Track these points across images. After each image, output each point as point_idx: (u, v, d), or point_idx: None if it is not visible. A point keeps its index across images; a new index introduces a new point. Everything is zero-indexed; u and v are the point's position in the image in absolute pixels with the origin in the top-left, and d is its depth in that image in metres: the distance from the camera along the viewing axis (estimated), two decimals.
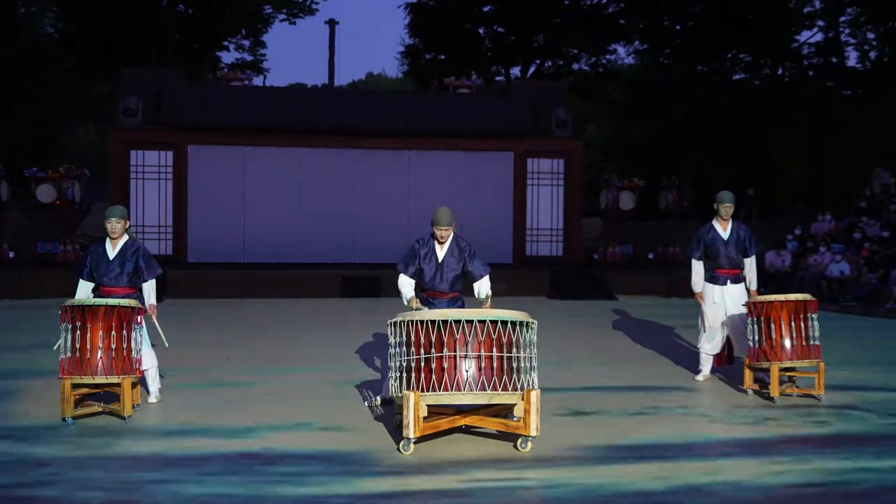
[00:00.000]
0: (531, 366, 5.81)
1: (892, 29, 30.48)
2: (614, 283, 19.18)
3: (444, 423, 5.84)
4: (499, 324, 5.69)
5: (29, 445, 5.86)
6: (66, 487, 4.94)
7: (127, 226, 7.27)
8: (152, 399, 7.29)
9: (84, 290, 7.16)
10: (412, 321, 5.73)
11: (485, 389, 5.62)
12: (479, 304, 6.83)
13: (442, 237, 7.01)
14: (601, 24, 33.30)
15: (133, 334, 6.59)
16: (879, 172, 24.21)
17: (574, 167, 21.22)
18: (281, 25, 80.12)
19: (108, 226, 7.17)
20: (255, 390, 7.92)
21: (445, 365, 5.61)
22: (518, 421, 5.78)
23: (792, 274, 19.34)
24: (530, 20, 32.42)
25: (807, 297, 7.69)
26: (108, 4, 29.96)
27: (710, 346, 8.55)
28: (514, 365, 5.71)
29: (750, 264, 8.53)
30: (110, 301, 6.60)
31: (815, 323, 7.60)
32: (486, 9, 33.72)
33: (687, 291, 9.86)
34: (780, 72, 32.92)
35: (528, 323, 5.82)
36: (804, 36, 33.15)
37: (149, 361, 7.15)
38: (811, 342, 7.56)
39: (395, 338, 5.84)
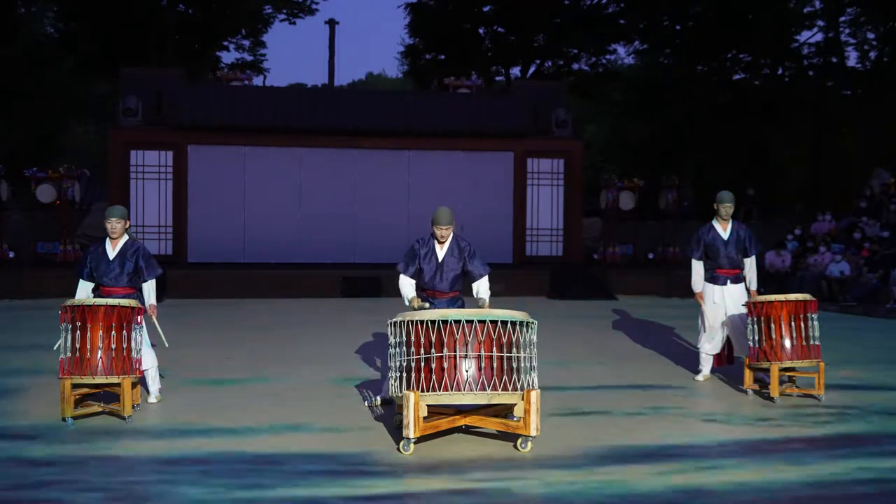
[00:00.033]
0: (531, 366, 5.81)
1: (892, 29, 30.47)
2: (614, 283, 19.18)
3: (444, 423, 5.84)
4: (499, 324, 5.69)
5: (29, 445, 5.86)
6: (65, 488, 4.94)
7: (127, 226, 7.27)
8: (152, 399, 7.29)
9: (84, 290, 7.16)
10: (412, 321, 5.73)
11: (485, 389, 5.62)
12: (477, 304, 6.85)
13: (442, 237, 7.01)
14: (601, 24, 33.30)
15: (133, 334, 6.59)
16: (879, 172, 24.22)
17: (574, 167, 21.22)
18: (281, 25, 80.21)
19: (108, 226, 7.17)
20: (255, 390, 7.92)
21: (445, 365, 5.61)
22: (518, 421, 5.78)
23: (792, 274, 19.34)
24: (530, 20, 32.42)
25: (807, 297, 7.69)
26: (108, 4, 29.97)
27: (710, 346, 8.55)
28: (514, 365, 5.71)
29: (750, 264, 8.53)
30: (110, 301, 6.60)
31: (815, 323, 7.60)
32: (486, 9, 33.72)
33: (687, 291, 9.87)
34: (780, 72, 32.92)
35: (528, 323, 5.82)
36: (804, 36, 33.22)
37: (149, 361, 7.15)
38: (811, 342, 7.56)
39: (395, 338, 5.84)
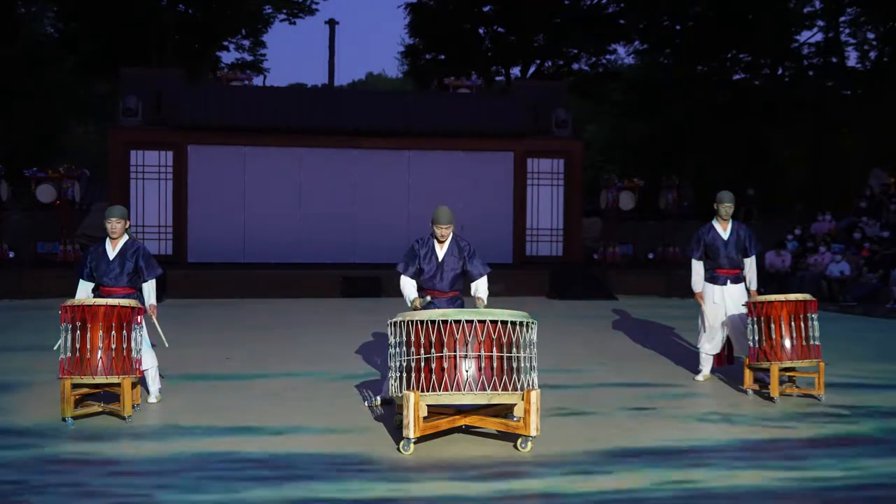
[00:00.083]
0: (531, 366, 5.81)
1: (892, 29, 30.47)
2: (614, 283, 19.18)
3: (444, 423, 5.84)
4: (499, 324, 5.69)
5: (29, 445, 5.86)
6: (66, 490, 4.94)
7: (127, 226, 7.27)
8: (152, 399, 7.29)
9: (84, 290, 7.17)
10: (412, 321, 5.73)
11: (485, 389, 5.62)
12: (475, 303, 6.85)
13: (442, 236, 7.01)
14: (601, 24, 33.30)
15: (133, 334, 6.60)
16: (877, 172, 24.23)
17: (574, 167, 21.22)
18: (281, 25, 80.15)
19: (108, 226, 7.17)
20: (255, 390, 7.92)
21: (445, 365, 5.61)
22: (518, 421, 5.78)
23: (792, 274, 19.34)
24: (530, 20, 32.42)
25: (807, 297, 7.69)
26: (108, 4, 29.96)
27: (710, 346, 8.55)
28: (514, 365, 5.71)
29: (750, 264, 8.53)
30: (110, 301, 6.60)
31: (815, 323, 7.60)
32: (486, 9, 33.71)
33: (687, 291, 9.87)
34: (780, 72, 32.92)
35: (528, 323, 5.82)
36: (804, 36, 33.21)
37: (149, 361, 7.15)
38: (811, 342, 7.56)
39: (394, 338, 5.84)
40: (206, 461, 5.49)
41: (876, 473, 5.36)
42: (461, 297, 7.14)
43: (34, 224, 20.11)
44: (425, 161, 20.65)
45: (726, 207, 8.46)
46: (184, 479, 5.09)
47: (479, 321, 5.66)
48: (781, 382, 7.63)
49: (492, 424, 5.96)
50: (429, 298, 6.90)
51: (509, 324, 5.72)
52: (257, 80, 29.19)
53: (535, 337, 5.88)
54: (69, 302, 6.57)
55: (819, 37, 32.84)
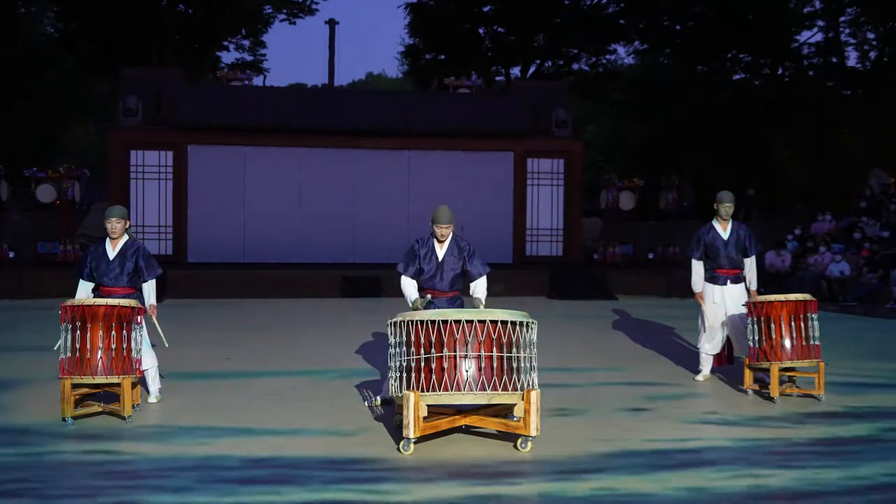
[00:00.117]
0: (531, 366, 5.81)
1: (892, 29, 30.47)
2: (614, 283, 19.17)
3: (444, 423, 5.85)
4: (499, 324, 5.69)
5: (29, 445, 5.86)
6: (65, 489, 4.94)
7: (127, 226, 7.27)
8: (152, 399, 7.29)
9: (84, 290, 7.17)
10: (412, 321, 5.73)
11: (485, 389, 5.62)
12: (473, 303, 6.86)
13: (442, 235, 7.02)
14: (601, 24, 33.29)
15: (133, 334, 6.60)
16: (877, 172, 24.23)
17: (574, 167, 21.21)
18: (281, 25, 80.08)
19: (108, 226, 7.17)
20: (255, 390, 7.92)
21: (445, 365, 5.61)
22: (518, 421, 5.78)
23: (792, 274, 19.33)
24: (530, 20, 32.42)
25: (807, 297, 7.70)
26: (108, 4, 29.96)
27: (710, 346, 8.55)
28: (514, 365, 5.71)
29: (750, 264, 8.53)
30: (110, 301, 6.60)
31: (815, 323, 7.60)
32: (486, 9, 33.71)
33: (687, 291, 9.88)
34: (780, 72, 32.92)
35: (528, 323, 5.82)
36: (804, 36, 33.20)
37: (149, 361, 7.15)
38: (811, 342, 7.56)
39: (395, 338, 5.84)
40: (206, 462, 5.48)
41: (876, 475, 5.36)
42: (461, 296, 7.14)
43: (34, 224, 20.11)
44: (425, 161, 20.65)
45: (726, 207, 8.46)
46: (183, 481, 5.09)
47: (479, 321, 5.66)
48: (781, 382, 7.63)
49: (492, 424, 5.96)
50: (429, 297, 6.90)
51: (509, 324, 5.72)
52: (257, 80, 29.19)
53: (535, 337, 5.88)
54: (69, 302, 6.57)
55: (819, 37, 32.88)
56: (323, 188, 20.28)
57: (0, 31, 28.62)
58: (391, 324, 5.88)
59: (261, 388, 8.00)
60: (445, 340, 5.63)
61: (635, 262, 20.90)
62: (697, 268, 8.57)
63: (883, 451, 5.90)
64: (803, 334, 7.52)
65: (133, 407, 6.68)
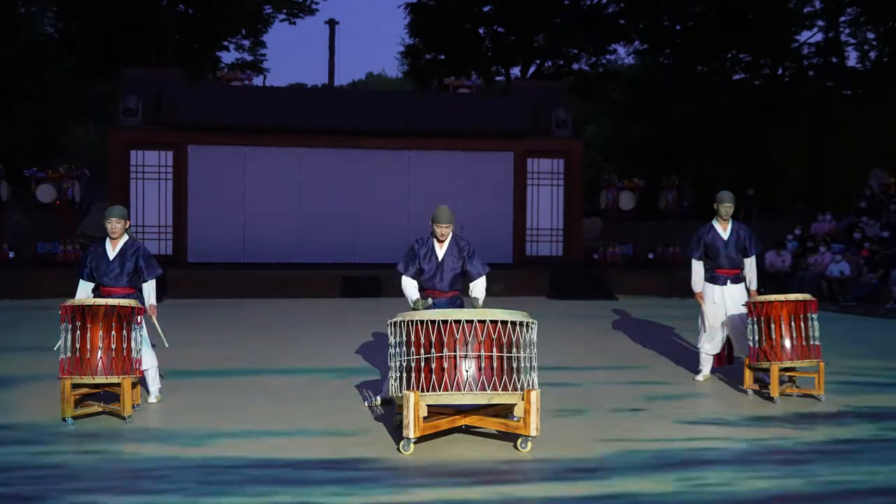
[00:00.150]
0: (531, 366, 5.81)
1: (892, 29, 30.47)
2: (614, 283, 19.17)
3: (444, 423, 5.85)
4: (499, 324, 5.69)
5: (29, 446, 5.86)
6: (65, 489, 4.94)
7: (127, 226, 7.27)
8: (152, 399, 7.29)
9: (84, 290, 7.17)
10: (412, 321, 5.73)
11: (485, 389, 5.62)
12: (472, 303, 6.86)
13: (442, 235, 7.02)
14: (601, 24, 33.30)
15: (133, 334, 6.60)
16: (876, 172, 24.23)
17: (574, 167, 21.21)
18: (281, 25, 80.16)
19: (108, 226, 7.17)
20: (256, 391, 7.92)
21: (445, 365, 5.61)
22: (518, 421, 5.78)
23: (792, 274, 19.33)
24: (530, 20, 32.42)
25: (807, 297, 7.69)
26: (108, 4, 29.96)
27: (710, 346, 8.55)
28: (514, 365, 5.71)
29: (750, 264, 8.53)
30: (110, 301, 6.60)
31: (815, 323, 7.60)
32: (486, 9, 33.71)
33: (687, 291, 9.87)
34: (780, 72, 32.92)
35: (528, 323, 5.82)
36: (804, 36, 33.21)
37: (149, 361, 7.15)
38: (811, 342, 7.56)
39: (395, 338, 5.84)
40: (206, 463, 5.48)
41: (877, 475, 5.36)
42: (461, 296, 7.14)
43: (34, 224, 20.11)
44: (425, 161, 20.65)
45: (726, 207, 8.46)
46: (183, 482, 5.08)
47: (479, 321, 5.66)
48: (781, 382, 7.64)
49: (492, 424, 5.96)
50: (430, 301, 6.88)
51: (509, 324, 5.72)
52: (257, 80, 29.19)
53: (535, 337, 5.88)
54: (69, 302, 6.57)
55: (819, 37, 32.88)
56: (323, 188, 20.28)
57: (0, 31, 28.61)
58: (391, 324, 5.88)
59: (261, 388, 8.00)
60: (445, 340, 5.63)
61: (635, 262, 20.90)
62: (697, 268, 8.57)
63: (883, 452, 5.89)
64: (803, 334, 7.52)
65: (133, 407, 6.68)
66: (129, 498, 4.76)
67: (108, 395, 6.91)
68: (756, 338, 7.61)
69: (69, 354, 6.44)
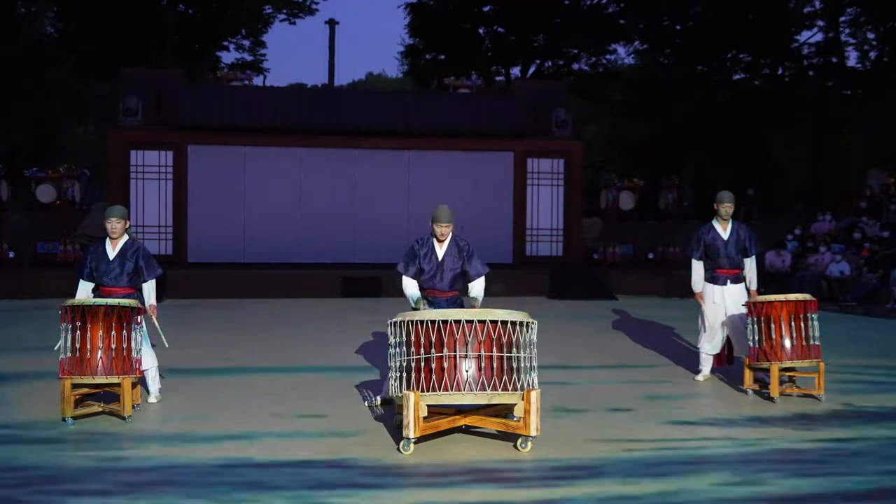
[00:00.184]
0: (531, 366, 5.81)
1: (892, 29, 30.46)
2: (614, 283, 19.18)
3: (444, 423, 5.85)
4: (499, 324, 5.69)
5: (29, 446, 5.86)
6: (64, 489, 4.93)
7: (127, 226, 7.27)
8: (152, 399, 7.29)
9: (84, 291, 7.17)
10: (412, 321, 5.73)
11: (485, 389, 5.62)
12: (470, 303, 6.87)
13: (442, 234, 7.02)
14: (601, 24, 33.29)
15: (133, 334, 6.60)
16: (875, 173, 24.24)
17: (574, 167, 21.22)
18: (281, 25, 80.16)
19: (108, 226, 7.17)
20: (255, 390, 7.92)
21: (445, 365, 5.61)
22: (518, 421, 5.78)
23: (792, 274, 19.33)
24: (530, 20, 32.42)
25: (807, 297, 7.69)
26: (108, 4, 29.96)
27: (710, 346, 8.55)
28: (514, 365, 5.71)
29: (750, 264, 8.53)
30: (110, 301, 6.60)
31: (815, 323, 7.60)
32: (486, 9, 33.71)
33: (687, 291, 9.87)
34: (780, 72, 32.91)
35: (528, 323, 5.82)
36: (804, 36, 33.19)
37: (149, 361, 7.15)
38: (811, 342, 7.56)
39: (395, 338, 5.84)
40: (206, 465, 5.47)
41: (877, 475, 5.35)
42: (461, 296, 7.15)
43: (34, 224, 20.11)
44: (425, 161, 20.65)
45: (726, 207, 8.46)
46: (183, 484, 5.08)
47: (479, 321, 5.66)
48: (781, 382, 7.63)
49: (492, 424, 5.96)
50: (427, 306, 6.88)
51: (509, 324, 5.72)
52: (257, 80, 29.20)
53: (535, 337, 5.88)
54: (69, 302, 6.57)
55: (819, 37, 32.87)
56: (323, 188, 20.29)
57: (0, 31, 28.61)
58: (391, 324, 5.88)
59: (261, 388, 8.00)
60: (445, 340, 5.63)
61: (635, 262, 20.90)
62: (697, 268, 8.58)
63: (884, 452, 5.89)
64: (803, 334, 7.52)
65: (133, 407, 6.68)
66: (130, 498, 4.76)
67: (108, 395, 6.91)
68: (756, 338, 7.61)
69: (69, 354, 6.44)
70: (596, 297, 18.08)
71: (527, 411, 5.66)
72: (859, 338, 12.29)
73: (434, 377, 5.61)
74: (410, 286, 7.01)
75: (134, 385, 6.71)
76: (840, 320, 14.39)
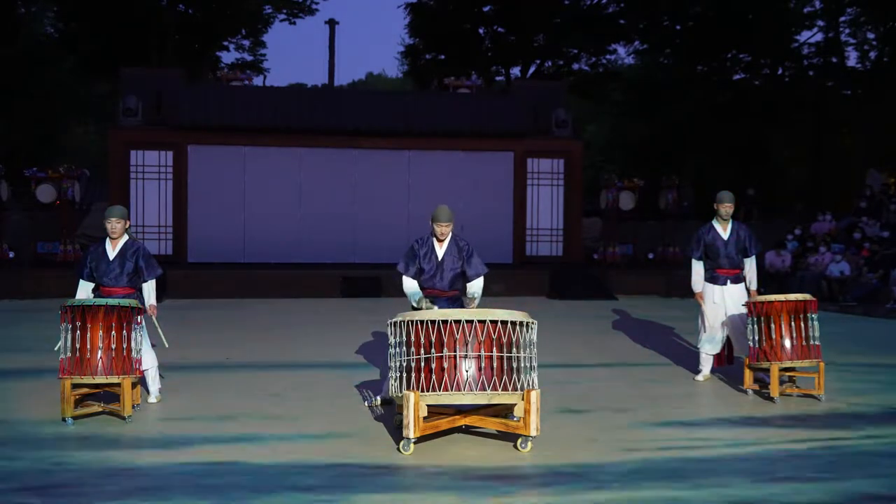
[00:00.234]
0: (531, 366, 5.81)
1: (892, 29, 30.46)
2: (614, 283, 19.18)
3: (444, 423, 5.85)
4: (499, 324, 5.69)
5: (29, 446, 5.86)
6: (64, 489, 4.93)
7: (127, 226, 7.27)
8: (152, 399, 7.29)
9: (84, 291, 7.17)
10: (412, 321, 5.73)
11: (485, 389, 5.62)
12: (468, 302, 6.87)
13: (442, 234, 7.02)
14: (601, 24, 33.29)
15: (133, 334, 6.60)
16: (872, 173, 24.25)
17: (574, 167, 21.22)
18: (281, 25, 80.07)
19: (108, 226, 7.17)
20: (255, 391, 7.92)
21: (445, 365, 5.61)
22: (518, 421, 5.78)
23: (792, 274, 19.33)
24: (530, 20, 32.41)
25: (807, 297, 7.70)
26: (108, 4, 29.95)
27: (710, 346, 8.55)
28: (514, 365, 5.71)
29: (750, 264, 8.53)
30: (110, 301, 6.61)
31: (815, 323, 7.61)
32: (486, 9, 33.70)
33: (687, 291, 9.88)
34: (780, 72, 32.90)
35: (528, 323, 5.82)
36: (804, 36, 33.18)
37: (149, 361, 7.15)
38: (811, 342, 7.56)
39: (395, 338, 5.84)
40: (205, 466, 5.46)
41: (876, 476, 5.35)
42: (461, 296, 7.15)
43: (34, 224, 20.11)
44: (425, 161, 20.66)
45: (726, 207, 8.47)
46: (183, 485, 5.08)
47: (479, 321, 5.66)
48: (781, 382, 7.64)
49: (492, 424, 5.96)
50: (435, 307, 6.87)
51: (509, 324, 5.72)
52: (257, 80, 29.17)
53: (535, 337, 5.88)
54: (69, 302, 6.57)
55: (819, 37, 32.86)
56: (323, 188, 20.29)
57: (0, 31, 28.61)
58: (391, 324, 5.88)
59: (261, 388, 8.00)
60: (445, 340, 5.63)
61: (635, 262, 20.90)
62: (697, 268, 8.58)
63: (884, 453, 5.89)
64: (803, 334, 7.52)
65: (133, 407, 6.68)
66: (129, 498, 4.76)
67: (108, 395, 6.91)
68: (756, 338, 7.61)
69: (69, 354, 6.44)
70: (596, 297, 18.08)
71: (527, 411, 5.66)
72: (859, 338, 12.30)
73: (434, 377, 5.61)
74: (412, 286, 7.01)
75: (134, 385, 6.72)
76: (840, 320, 14.39)
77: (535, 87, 24.48)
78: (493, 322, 5.68)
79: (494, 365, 5.65)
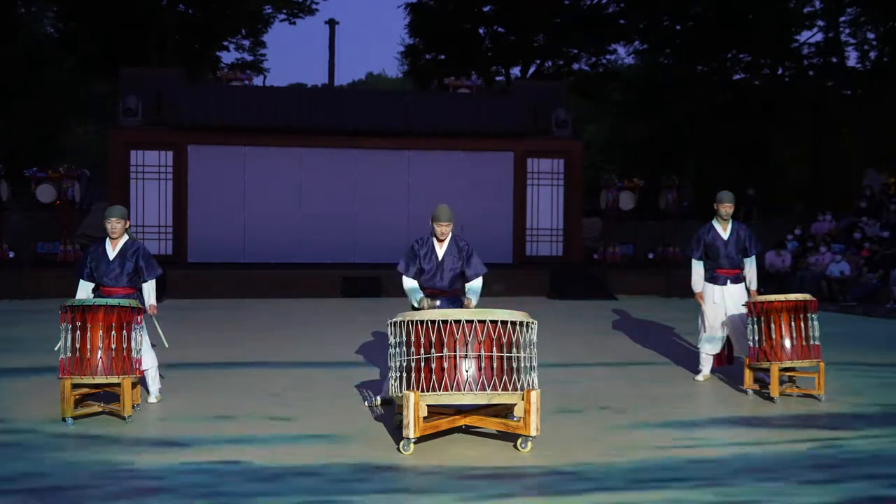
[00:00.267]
0: (531, 366, 5.81)
1: (892, 29, 30.46)
2: (614, 283, 19.18)
3: (444, 423, 5.85)
4: (499, 324, 5.69)
5: (29, 445, 5.86)
6: (64, 490, 4.93)
7: (127, 226, 7.27)
8: (152, 399, 7.29)
9: (84, 291, 7.17)
10: (412, 321, 5.73)
11: (485, 389, 5.62)
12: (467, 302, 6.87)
13: (442, 234, 7.02)
14: (601, 24, 33.29)
15: (133, 334, 6.60)
16: (871, 174, 24.24)
17: (574, 167, 21.22)
18: (281, 25, 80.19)
19: (108, 226, 7.17)
20: (255, 391, 7.92)
21: (445, 365, 5.61)
22: (518, 421, 5.78)
23: (792, 274, 19.33)
24: (530, 20, 32.42)
25: (807, 297, 7.70)
26: (108, 4, 29.96)
27: (710, 346, 8.55)
28: (514, 365, 5.71)
29: (750, 264, 8.53)
30: (110, 301, 6.60)
31: (815, 323, 7.61)
32: (486, 9, 33.71)
33: (687, 291, 9.88)
34: (780, 72, 32.91)
35: (528, 323, 5.82)
36: (804, 36, 33.19)
37: (149, 361, 7.15)
38: (811, 342, 7.56)
39: (395, 338, 5.84)
40: (205, 466, 5.46)
41: (876, 476, 5.35)
42: (461, 296, 7.15)
43: (34, 224, 20.11)
44: (425, 161, 20.66)
45: (726, 207, 8.47)
46: (182, 486, 5.08)
47: (479, 321, 5.66)
48: (781, 382, 7.64)
49: (492, 424, 5.96)
50: (437, 303, 6.88)
51: (509, 324, 5.72)
52: (257, 80, 29.18)
53: (535, 337, 5.88)
54: (69, 302, 6.57)
55: (819, 37, 32.87)
56: (323, 188, 20.29)
57: (0, 31, 28.60)
58: (391, 324, 5.88)
59: (261, 388, 8.00)
60: (445, 340, 5.63)
61: (635, 262, 20.90)
62: (697, 268, 8.58)
63: (884, 453, 5.89)
64: (803, 334, 7.52)
65: (133, 407, 6.68)
66: (130, 500, 4.76)
67: (108, 394, 6.91)
68: (756, 338, 7.61)
69: (69, 354, 6.44)
70: (596, 297, 18.09)
71: (527, 411, 5.67)
72: (859, 338, 12.29)
73: (434, 377, 5.61)
74: (412, 286, 7.01)
75: (134, 385, 6.72)
76: (840, 320, 14.39)
77: (535, 87, 24.48)
78: (493, 322, 5.68)
79: (494, 365, 5.65)
